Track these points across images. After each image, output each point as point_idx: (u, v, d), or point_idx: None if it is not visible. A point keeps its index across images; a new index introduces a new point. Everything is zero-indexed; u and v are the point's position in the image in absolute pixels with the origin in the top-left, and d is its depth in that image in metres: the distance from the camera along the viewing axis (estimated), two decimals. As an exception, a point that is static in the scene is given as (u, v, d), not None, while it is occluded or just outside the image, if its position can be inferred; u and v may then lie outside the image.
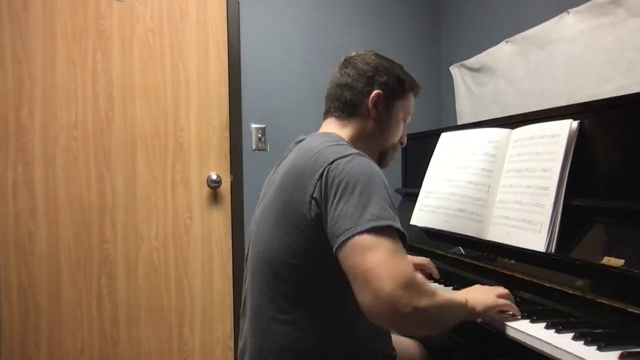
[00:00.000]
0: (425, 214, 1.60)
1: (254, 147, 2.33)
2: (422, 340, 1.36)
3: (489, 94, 2.22)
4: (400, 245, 0.89)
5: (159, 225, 2.20)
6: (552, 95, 1.81)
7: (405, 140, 1.25)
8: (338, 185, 0.92)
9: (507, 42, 2.07)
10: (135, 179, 2.17)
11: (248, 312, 1.08)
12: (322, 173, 0.95)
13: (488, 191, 1.39)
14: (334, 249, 0.89)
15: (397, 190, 2.13)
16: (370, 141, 1.16)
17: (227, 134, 2.29)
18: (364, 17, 2.54)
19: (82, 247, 2.11)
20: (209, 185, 2.25)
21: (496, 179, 1.38)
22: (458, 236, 1.44)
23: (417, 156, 2.02)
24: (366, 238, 0.86)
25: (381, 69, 1.16)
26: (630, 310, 0.89)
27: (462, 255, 1.44)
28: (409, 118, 1.23)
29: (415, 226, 1.63)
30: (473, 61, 2.32)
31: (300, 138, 1.15)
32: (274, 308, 1.01)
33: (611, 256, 0.99)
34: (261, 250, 1.04)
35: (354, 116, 1.15)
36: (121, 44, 2.15)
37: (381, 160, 1.20)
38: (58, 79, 2.08)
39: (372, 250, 0.85)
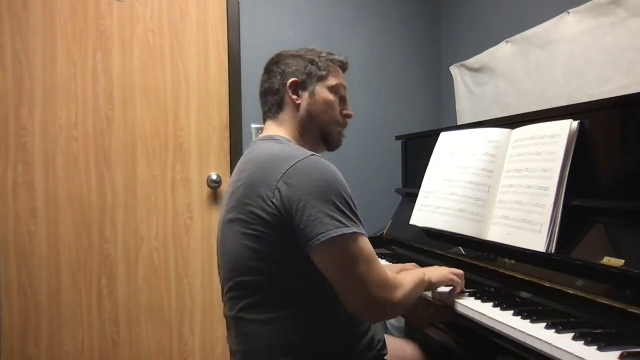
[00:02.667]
0: (425, 213, 1.60)
1: (254, 147, 2.33)
2: (421, 341, 1.36)
3: (489, 94, 2.22)
4: (367, 246, 0.98)
5: (159, 225, 2.20)
6: (552, 95, 1.81)
7: (350, 112, 1.24)
8: (301, 190, 0.96)
9: (507, 42, 2.07)
10: (135, 179, 2.17)
11: (231, 322, 1.10)
12: (281, 177, 0.98)
13: (488, 191, 1.39)
14: (306, 252, 0.96)
15: (397, 190, 2.13)
16: (306, 128, 1.18)
17: (227, 134, 2.29)
18: (364, 17, 2.54)
19: (82, 247, 2.11)
20: (209, 185, 2.25)
21: (496, 179, 1.38)
22: (458, 236, 1.44)
23: (417, 156, 2.02)
24: (340, 247, 0.95)
25: (287, 60, 1.21)
26: (630, 310, 0.89)
27: (462, 255, 1.44)
28: (343, 91, 1.23)
29: (415, 226, 1.63)
30: (473, 61, 2.32)
31: (251, 144, 1.21)
32: (252, 312, 1.03)
33: (611, 256, 0.99)
34: (230, 260, 1.06)
35: (282, 112, 1.19)
36: (121, 44, 2.15)
37: (327, 139, 1.22)
38: (58, 79, 2.08)
39: (351, 260, 0.95)
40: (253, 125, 2.33)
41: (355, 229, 0.96)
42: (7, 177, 2.03)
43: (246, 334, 1.04)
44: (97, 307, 2.13)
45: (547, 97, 1.84)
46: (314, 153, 1.03)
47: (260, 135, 1.22)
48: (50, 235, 2.07)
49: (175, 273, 2.22)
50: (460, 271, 1.21)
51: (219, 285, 1.16)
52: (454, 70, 2.49)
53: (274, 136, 1.16)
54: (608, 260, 0.99)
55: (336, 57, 1.24)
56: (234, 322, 1.07)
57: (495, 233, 1.32)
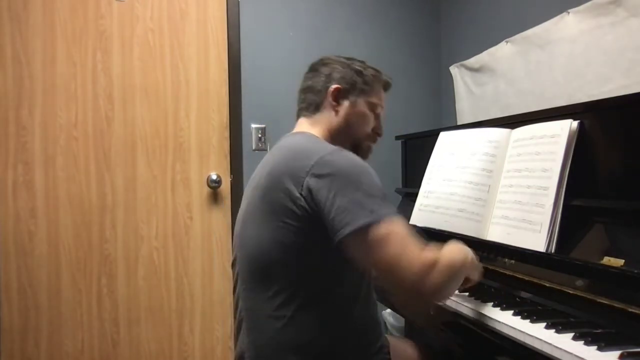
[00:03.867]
0: (425, 213, 1.60)
1: (254, 147, 2.33)
2: (421, 341, 1.36)
3: (489, 94, 2.22)
4: (404, 229, 0.94)
5: (159, 225, 2.20)
6: (552, 95, 1.81)
7: (381, 132, 1.26)
8: (331, 181, 0.95)
9: (507, 42, 2.07)
10: (135, 179, 2.17)
11: (243, 314, 1.09)
12: (310, 169, 0.97)
13: (488, 191, 1.38)
14: (336, 242, 0.93)
15: (397, 190, 2.12)
16: (340, 135, 1.19)
17: (227, 134, 2.29)
18: (364, 17, 2.54)
19: (82, 247, 2.11)
20: (209, 185, 2.25)
21: (496, 179, 1.38)
22: (458, 236, 1.43)
23: (417, 156, 2.01)
24: (372, 233, 0.91)
25: (338, 66, 1.21)
26: (630, 310, 0.89)
27: (462, 255, 1.44)
28: (380, 109, 1.25)
29: (414, 226, 1.63)
30: (473, 61, 2.32)
31: (279, 141, 1.19)
32: (268, 306, 1.02)
33: (611, 256, 0.99)
34: (251, 252, 1.06)
35: (319, 113, 1.20)
36: (121, 44, 2.15)
37: (357, 150, 1.21)
38: (58, 79, 2.08)
39: (385, 244, 0.92)
40: (253, 125, 2.33)
41: (385, 212, 0.94)
42: (7, 177, 2.03)
43: (261, 328, 1.03)
44: (97, 307, 2.13)
45: (547, 97, 1.84)
46: (343, 149, 1.03)
47: (291, 132, 1.22)
48: (50, 235, 2.07)
49: (175, 273, 2.22)
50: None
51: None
52: (454, 70, 2.49)
53: (305, 132, 1.17)
54: (608, 260, 0.99)
55: (382, 76, 1.26)
56: (248, 314, 1.06)
57: (495, 233, 1.32)
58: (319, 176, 0.96)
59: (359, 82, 1.20)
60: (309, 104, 1.22)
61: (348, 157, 1.01)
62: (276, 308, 1.01)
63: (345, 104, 1.19)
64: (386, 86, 1.27)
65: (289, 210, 0.98)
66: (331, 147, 1.03)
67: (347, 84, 1.20)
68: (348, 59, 1.24)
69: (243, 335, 1.09)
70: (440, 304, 1.20)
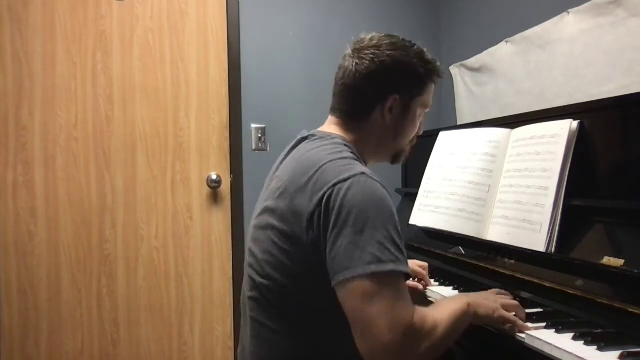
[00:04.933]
0: (425, 213, 1.60)
1: (254, 147, 2.33)
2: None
3: (489, 94, 2.22)
4: (400, 288, 0.86)
5: (159, 226, 2.20)
6: (552, 95, 1.81)
7: (422, 131, 1.14)
8: (337, 216, 0.87)
9: (507, 42, 2.07)
10: (135, 179, 2.17)
11: (248, 320, 1.06)
12: (321, 199, 0.89)
13: (488, 191, 1.38)
14: (332, 284, 0.87)
15: (397, 190, 2.13)
16: (383, 147, 1.09)
17: (227, 134, 2.29)
18: (364, 16, 2.54)
19: (82, 247, 2.11)
20: (209, 185, 2.25)
21: (496, 179, 1.38)
22: (458, 236, 1.44)
23: (417, 156, 1.99)
24: (366, 284, 0.83)
25: (397, 67, 1.02)
26: (630, 310, 0.89)
27: (462, 255, 1.44)
28: (427, 109, 1.12)
29: (414, 226, 1.63)
30: (473, 61, 2.32)
31: (304, 135, 1.08)
32: (271, 320, 0.99)
33: (611, 256, 0.99)
34: (257, 262, 1.01)
35: (363, 121, 1.05)
36: (121, 44, 2.15)
37: (396, 159, 1.14)
38: (58, 79, 2.08)
39: (372, 299, 0.83)
40: (253, 125, 2.33)
41: (391, 267, 0.84)
42: (7, 177, 2.03)
43: (264, 339, 1.01)
44: (97, 307, 2.13)
45: (547, 97, 1.84)
46: (364, 171, 0.91)
47: (320, 129, 1.09)
48: (50, 235, 2.07)
49: (175, 273, 2.22)
50: (512, 302, 1.03)
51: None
52: (454, 70, 2.49)
53: (336, 138, 1.03)
54: (608, 260, 0.99)
55: (439, 66, 1.09)
56: (252, 323, 1.04)
57: (495, 233, 1.31)
58: (326, 210, 0.88)
59: (418, 87, 1.06)
60: (355, 109, 1.05)
61: (364, 190, 0.88)
62: (278, 323, 0.98)
63: (398, 114, 1.05)
64: (438, 80, 1.11)
65: (296, 235, 0.92)
66: (351, 172, 0.90)
67: (406, 92, 1.04)
68: (405, 49, 1.04)
69: (246, 342, 1.07)
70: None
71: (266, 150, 2.33)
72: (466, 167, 1.48)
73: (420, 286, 1.36)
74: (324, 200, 0.88)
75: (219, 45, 2.28)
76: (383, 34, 1.07)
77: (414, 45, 1.07)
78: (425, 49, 1.08)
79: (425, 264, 1.36)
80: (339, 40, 2.72)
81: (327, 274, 0.88)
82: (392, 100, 1.03)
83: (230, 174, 2.29)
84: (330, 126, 1.08)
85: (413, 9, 2.64)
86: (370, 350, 0.84)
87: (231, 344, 2.29)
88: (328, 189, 0.89)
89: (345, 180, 0.89)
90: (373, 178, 0.91)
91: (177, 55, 2.22)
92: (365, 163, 1.06)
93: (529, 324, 0.98)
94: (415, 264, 1.39)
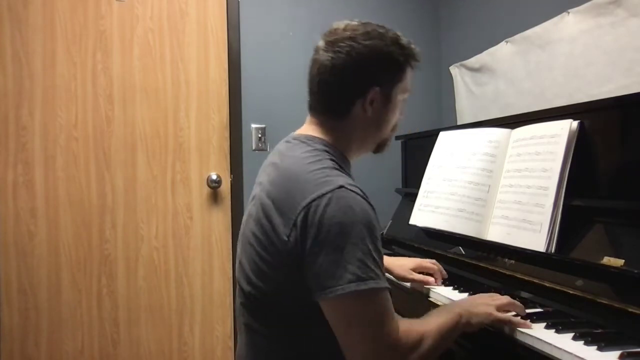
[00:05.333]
0: (425, 213, 1.60)
1: (254, 147, 2.33)
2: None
3: (489, 94, 2.22)
4: (382, 303, 0.86)
5: (159, 226, 2.20)
6: (552, 95, 1.81)
7: (403, 116, 1.11)
8: (316, 233, 0.85)
9: (507, 42, 2.07)
10: (135, 179, 2.17)
11: (242, 327, 1.05)
12: (297, 216, 0.87)
13: (488, 191, 1.38)
14: (314, 299, 0.87)
15: (397, 190, 2.12)
16: (368, 140, 1.06)
17: (227, 134, 2.29)
18: (364, 16, 2.50)
19: (82, 247, 2.11)
20: (209, 185, 2.25)
21: (496, 179, 1.38)
22: (458, 236, 1.43)
23: (417, 156, 2.01)
24: (348, 304, 0.84)
25: (375, 57, 0.98)
26: (630, 310, 0.89)
27: (462, 255, 1.44)
28: (408, 93, 1.07)
29: (415, 226, 1.63)
30: (473, 61, 2.32)
31: (285, 140, 1.06)
32: (262, 326, 0.99)
33: (611, 256, 0.99)
34: (244, 271, 1.01)
35: (344, 118, 1.01)
36: (121, 44, 2.15)
37: (380, 148, 1.11)
38: (58, 79, 2.08)
39: (354, 321, 0.85)
40: (253, 125, 2.33)
41: (372, 285, 0.83)
42: (7, 177, 2.03)
43: (258, 346, 1.01)
44: (97, 307, 2.13)
45: (547, 97, 1.84)
46: (342, 184, 0.88)
47: (300, 132, 1.06)
48: (50, 235, 2.07)
49: (175, 273, 2.22)
50: (506, 300, 1.02)
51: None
52: (454, 70, 2.49)
53: (317, 142, 1.00)
54: (608, 260, 0.99)
55: (415, 49, 1.03)
56: (246, 329, 1.04)
57: (495, 233, 1.31)
58: (304, 226, 0.86)
59: (397, 74, 1.01)
60: (335, 107, 1.01)
61: (342, 206, 0.86)
62: (268, 330, 0.98)
63: (380, 105, 1.01)
64: (416, 64, 1.05)
65: (276, 247, 0.90)
66: (330, 185, 0.88)
67: (386, 81, 1.00)
68: (381, 36, 1.00)
69: (241, 349, 1.07)
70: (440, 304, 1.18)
71: (266, 150, 2.33)
72: (466, 167, 1.48)
73: (432, 279, 1.33)
74: (301, 217, 0.87)
75: (219, 45, 2.27)
76: (356, 22, 1.04)
77: (389, 30, 1.03)
78: (399, 34, 1.03)
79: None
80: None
81: (305, 285, 0.88)
82: (372, 93, 0.98)
83: (230, 174, 2.29)
84: (311, 127, 1.05)
85: (413, 9, 2.64)
86: None
87: (231, 344, 2.29)
88: (306, 205, 0.87)
89: (322, 195, 0.86)
90: (352, 190, 0.89)
91: (177, 55, 2.22)
92: (348, 161, 1.05)
93: (529, 323, 0.97)
94: (424, 261, 1.39)
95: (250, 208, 1.04)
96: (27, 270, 2.05)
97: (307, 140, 1.01)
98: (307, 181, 0.90)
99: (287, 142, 1.05)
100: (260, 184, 1.03)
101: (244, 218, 1.07)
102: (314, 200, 0.86)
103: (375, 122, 1.03)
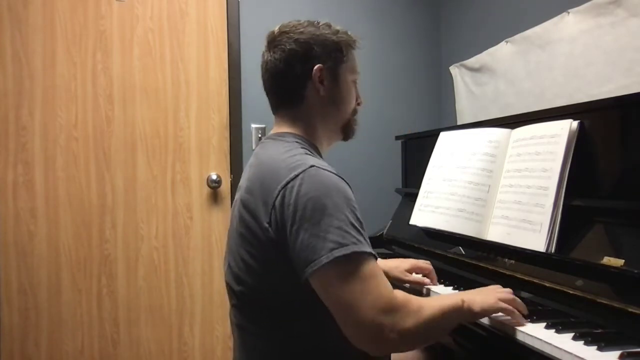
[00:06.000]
0: (425, 213, 1.60)
1: (254, 147, 2.33)
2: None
3: (489, 94, 2.22)
4: (370, 266, 0.86)
5: (159, 225, 2.20)
6: (552, 95, 1.81)
7: (361, 100, 1.15)
8: (294, 213, 0.88)
9: (507, 42, 2.07)
10: (135, 179, 2.17)
11: (235, 329, 1.07)
12: (275, 200, 0.90)
13: (488, 191, 1.38)
14: (303, 280, 0.87)
15: (397, 190, 2.13)
16: (329, 120, 1.09)
17: (227, 134, 2.29)
18: (364, 17, 2.54)
19: (82, 247, 2.11)
20: (209, 185, 2.25)
21: (496, 179, 1.38)
22: (458, 236, 1.44)
23: (417, 156, 2.01)
24: (334, 271, 0.84)
25: (312, 41, 1.05)
26: (630, 310, 0.89)
27: (462, 255, 1.44)
28: (358, 76, 1.13)
29: (415, 226, 1.63)
30: (473, 61, 2.32)
31: (260, 142, 1.11)
32: (254, 326, 1.00)
33: (611, 256, 0.99)
34: (232, 271, 1.03)
35: (302, 103, 1.06)
36: (121, 44, 2.15)
37: (346, 130, 1.14)
38: (58, 79, 2.08)
39: (344, 283, 0.84)
40: (253, 125, 2.33)
41: (354, 248, 0.85)
42: (7, 177, 2.03)
43: (251, 346, 1.01)
44: (97, 307, 2.13)
45: (547, 97, 1.84)
46: (313, 164, 0.92)
47: (270, 133, 1.11)
48: (50, 235, 2.07)
49: (175, 273, 2.22)
50: (509, 295, 1.01)
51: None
52: (454, 70, 2.49)
53: (286, 135, 1.05)
54: (608, 260, 0.99)
55: (351, 35, 1.11)
56: (238, 330, 1.05)
57: (495, 233, 1.32)
58: (282, 209, 0.89)
59: (338, 55, 1.06)
60: (288, 95, 1.07)
61: (315, 182, 0.89)
62: (261, 329, 0.99)
63: (330, 84, 1.06)
64: (356, 45, 1.12)
65: (259, 238, 0.93)
66: (301, 167, 0.91)
67: (330, 60, 1.05)
68: (311, 23, 1.09)
69: (238, 346, 1.07)
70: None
71: (266, 150, 2.33)
72: (466, 167, 1.48)
73: (427, 280, 1.34)
74: (279, 201, 0.90)
75: (219, 45, 2.28)
76: (288, 21, 1.12)
77: (321, 22, 1.11)
78: (331, 23, 1.12)
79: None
80: (339, 40, 2.70)
81: (292, 271, 0.89)
82: (317, 70, 1.04)
83: (230, 174, 2.29)
84: (278, 125, 1.11)
85: (413, 9, 2.64)
86: (356, 334, 0.85)
87: (231, 344, 2.28)
88: (281, 189, 0.90)
89: (295, 177, 0.90)
90: (323, 168, 0.92)
91: (177, 55, 2.22)
92: (320, 152, 1.08)
93: (529, 324, 0.97)
94: (419, 262, 1.39)
95: (233, 212, 1.08)
96: (27, 270, 2.05)
97: (278, 137, 1.06)
98: (280, 168, 0.94)
99: (262, 143, 1.10)
100: (240, 187, 1.07)
101: (230, 224, 1.11)
102: (288, 183, 0.90)
103: (331, 101, 1.07)
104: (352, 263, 0.85)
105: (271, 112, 1.15)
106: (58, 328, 2.08)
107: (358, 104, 1.15)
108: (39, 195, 2.06)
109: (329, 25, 1.10)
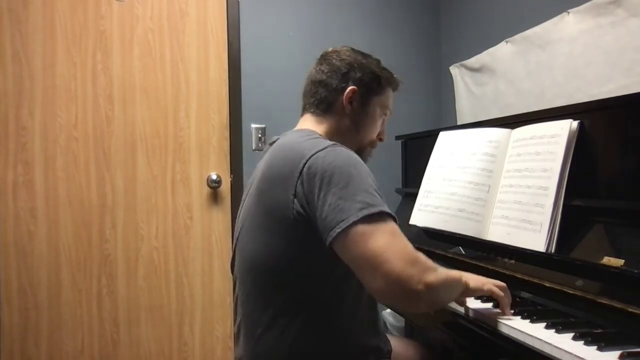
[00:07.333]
0: (425, 213, 1.60)
1: (254, 147, 2.33)
2: (421, 341, 1.36)
3: (489, 94, 2.22)
4: (395, 226, 0.91)
5: (159, 225, 2.20)
6: (552, 95, 1.81)
7: (384, 137, 1.23)
8: (321, 180, 0.92)
9: (507, 42, 2.07)
10: (135, 179, 2.17)
11: (241, 319, 1.08)
12: (302, 170, 0.94)
13: (488, 191, 1.39)
14: (328, 242, 0.90)
15: (397, 190, 2.13)
16: (347, 138, 1.14)
17: (227, 134, 2.29)
18: (364, 17, 2.54)
19: (82, 247, 2.11)
20: (209, 185, 2.25)
21: (496, 179, 1.38)
22: (458, 236, 1.44)
23: (417, 156, 2.01)
24: (362, 227, 0.87)
25: (355, 65, 1.15)
26: (630, 310, 0.89)
27: (462, 255, 1.44)
28: (388, 113, 1.22)
29: (415, 226, 1.63)
30: (473, 61, 2.32)
31: (274, 138, 1.15)
32: (265, 314, 1.00)
33: (611, 256, 0.99)
34: (248, 256, 1.04)
35: (329, 113, 1.14)
36: (121, 44, 2.15)
37: (359, 154, 1.15)
38: (58, 79, 2.08)
39: (372, 237, 0.87)
40: (253, 125, 2.33)
41: (382, 208, 0.89)
42: (7, 177, 2.03)
43: (258, 336, 1.02)
44: (97, 307, 2.13)
45: (547, 97, 1.84)
46: (336, 143, 1.00)
47: (295, 128, 1.17)
48: (50, 235, 2.07)
49: (175, 273, 2.22)
50: (502, 283, 1.05)
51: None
52: (454, 70, 2.49)
53: (306, 130, 1.12)
54: (608, 260, 0.99)
55: (395, 77, 1.21)
56: (245, 321, 1.05)
57: (495, 233, 1.32)
58: (309, 178, 0.93)
59: (375, 85, 1.16)
60: (320, 101, 1.15)
61: (337, 153, 0.96)
62: (273, 317, 1.00)
63: (358, 107, 1.14)
64: (396, 88, 1.23)
65: (283, 215, 0.96)
66: (325, 144, 0.98)
67: (364, 87, 1.14)
68: (364, 55, 1.19)
69: (241, 342, 1.08)
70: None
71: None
72: (466, 167, 1.48)
73: None
74: (305, 169, 0.94)
75: (219, 45, 2.28)
76: (342, 46, 1.23)
77: (373, 56, 1.21)
78: (381, 61, 1.21)
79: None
80: (339, 40, 2.72)
81: (318, 248, 0.92)
82: (350, 91, 1.13)
83: (230, 174, 2.29)
84: (302, 123, 1.18)
85: (413, 9, 2.64)
86: (386, 285, 0.86)
87: (231, 344, 2.29)
88: (306, 161, 0.95)
89: (321, 149, 0.96)
90: (346, 147, 0.99)
91: (177, 55, 2.22)
92: None
93: (529, 324, 0.98)
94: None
95: (246, 198, 1.11)
96: (27, 270, 2.05)
97: (298, 130, 1.14)
98: (303, 148, 0.99)
99: (282, 135, 1.14)
100: (255, 177, 1.11)
101: (241, 211, 1.13)
102: (313, 154, 0.95)
103: (352, 122, 1.15)
104: (379, 221, 0.89)
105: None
106: (58, 328, 2.08)
107: (380, 139, 1.22)
108: (39, 195, 2.06)
109: (378, 61, 1.20)
